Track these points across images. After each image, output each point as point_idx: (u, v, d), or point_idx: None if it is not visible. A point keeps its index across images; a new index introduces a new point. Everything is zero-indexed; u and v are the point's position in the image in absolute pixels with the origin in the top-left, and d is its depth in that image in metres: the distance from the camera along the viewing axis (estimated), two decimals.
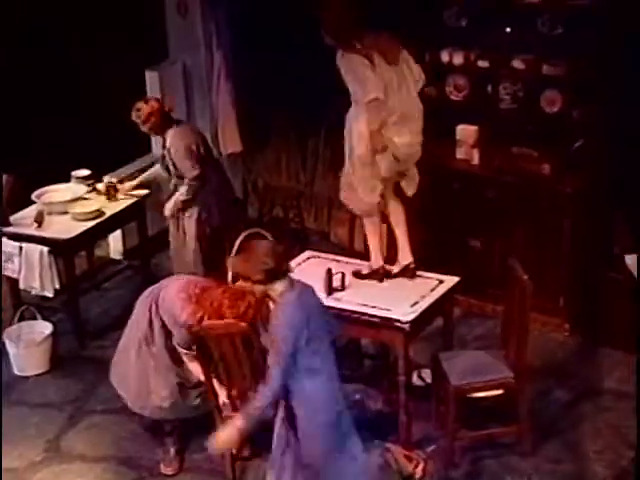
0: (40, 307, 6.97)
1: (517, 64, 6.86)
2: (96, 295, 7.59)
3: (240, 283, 5.06)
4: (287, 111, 8.06)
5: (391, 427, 5.90)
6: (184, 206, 6.83)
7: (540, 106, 6.80)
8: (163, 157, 6.92)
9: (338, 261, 6.24)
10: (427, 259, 6.39)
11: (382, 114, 5.64)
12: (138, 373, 5.70)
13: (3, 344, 6.76)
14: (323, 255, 6.44)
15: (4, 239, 6.84)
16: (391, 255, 6.31)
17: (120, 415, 6.23)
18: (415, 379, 6.13)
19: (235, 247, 6.32)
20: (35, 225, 6.83)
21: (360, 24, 5.68)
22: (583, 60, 6.55)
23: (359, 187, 5.84)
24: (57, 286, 6.81)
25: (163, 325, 5.62)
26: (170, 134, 6.79)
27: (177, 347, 5.57)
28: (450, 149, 7.14)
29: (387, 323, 5.67)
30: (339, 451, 4.96)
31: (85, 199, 7.15)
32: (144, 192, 7.33)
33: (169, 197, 6.95)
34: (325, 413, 4.92)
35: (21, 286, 6.88)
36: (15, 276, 6.84)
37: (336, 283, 5.89)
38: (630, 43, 6.36)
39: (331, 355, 5.04)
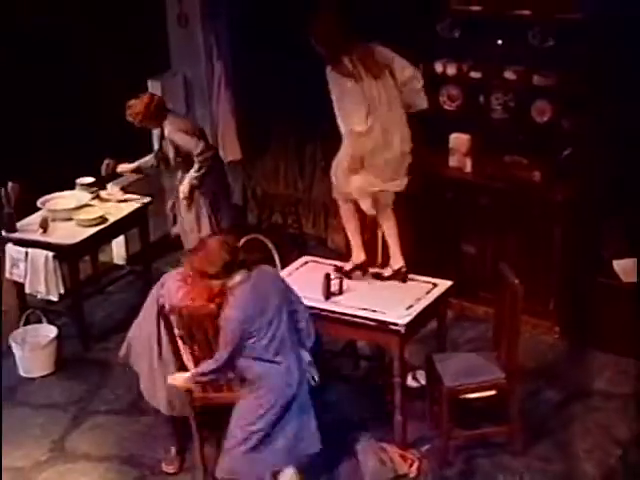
0: (45, 311, 6.98)
1: (508, 75, 6.88)
2: (100, 299, 7.59)
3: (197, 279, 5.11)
4: (285, 120, 8.09)
5: (386, 427, 5.93)
6: (198, 184, 6.86)
7: (531, 116, 6.82)
8: (160, 150, 6.95)
9: (335, 266, 6.22)
10: (422, 264, 6.39)
11: (363, 143, 5.74)
12: (149, 363, 5.70)
13: (9, 346, 6.78)
14: (320, 260, 6.45)
15: (10, 244, 6.86)
16: (385, 260, 6.34)
17: (122, 416, 6.27)
18: (410, 380, 6.13)
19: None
20: (40, 231, 6.84)
21: (349, 36, 5.71)
22: (574, 74, 6.56)
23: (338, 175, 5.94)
24: (62, 290, 6.82)
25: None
26: (168, 121, 6.87)
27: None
28: (443, 157, 7.16)
29: (383, 326, 5.68)
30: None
31: (89, 206, 7.17)
32: (147, 199, 7.38)
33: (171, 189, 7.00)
34: (271, 395, 5.01)
35: (27, 290, 6.89)
36: (21, 280, 6.85)
37: (334, 288, 5.90)
38: (623, 51, 6.41)
39: (293, 352, 5.10)
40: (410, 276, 6.11)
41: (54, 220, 7.00)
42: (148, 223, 7.49)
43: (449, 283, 6.05)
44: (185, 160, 6.88)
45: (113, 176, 7.43)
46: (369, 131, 5.74)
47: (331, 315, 5.83)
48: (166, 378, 5.49)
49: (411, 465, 5.68)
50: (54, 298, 6.86)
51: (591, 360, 6.61)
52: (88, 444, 6.08)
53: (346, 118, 5.75)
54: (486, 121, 7.05)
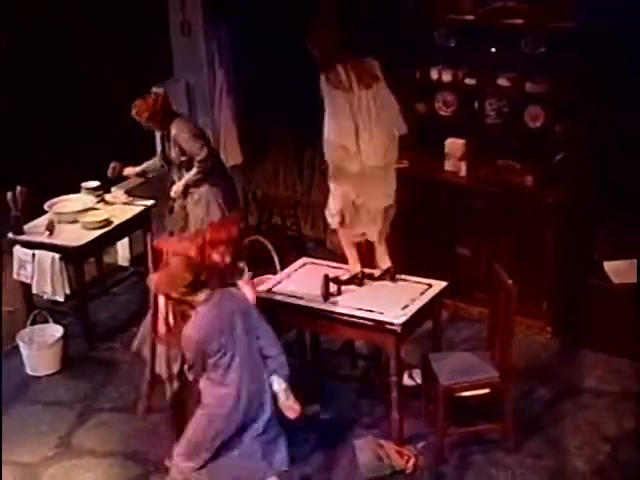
0: (51, 311, 6.98)
1: (502, 82, 6.89)
2: (104, 300, 7.60)
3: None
4: (285, 125, 8.11)
5: (383, 424, 5.96)
6: (194, 186, 6.89)
7: (524, 121, 6.83)
8: (163, 152, 6.97)
9: (333, 267, 6.26)
10: (417, 265, 6.42)
11: (344, 158, 5.75)
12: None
13: (16, 346, 6.80)
14: (319, 261, 6.47)
15: (18, 246, 6.88)
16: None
17: (126, 413, 6.27)
18: (406, 379, 6.13)
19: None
20: (47, 233, 6.86)
21: (346, 45, 5.72)
22: (566, 81, 6.57)
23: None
24: (68, 291, 6.84)
25: None
26: (175, 123, 6.90)
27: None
28: (439, 161, 7.17)
29: (379, 325, 5.70)
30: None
31: (94, 209, 7.19)
32: (150, 202, 7.40)
33: (172, 184, 7.01)
34: (218, 419, 4.98)
35: (34, 291, 6.90)
36: (28, 281, 6.87)
37: (332, 288, 5.92)
38: (614, 58, 6.44)
39: (254, 377, 5.02)
40: (405, 277, 6.12)
41: (60, 223, 7.02)
42: (152, 225, 7.51)
43: (444, 284, 6.05)
44: (189, 160, 6.91)
45: (119, 178, 7.45)
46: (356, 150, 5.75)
47: (329, 315, 5.86)
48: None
49: (407, 461, 5.69)
50: (60, 299, 6.87)
51: (582, 359, 6.62)
52: (93, 440, 6.09)
53: (333, 129, 5.75)
54: (480, 126, 7.06)
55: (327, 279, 5.92)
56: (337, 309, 5.83)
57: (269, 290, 6.10)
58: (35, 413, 6.36)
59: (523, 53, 6.71)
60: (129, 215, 7.25)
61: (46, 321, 6.92)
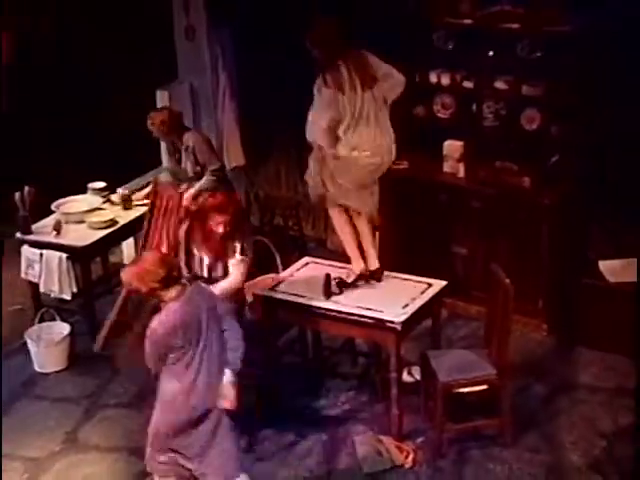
0: (59, 309, 7.00)
1: (499, 85, 6.90)
2: (110, 298, 7.54)
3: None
4: (286, 128, 8.10)
5: (383, 420, 5.97)
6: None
7: (520, 124, 6.84)
8: (177, 161, 7.00)
9: (334, 266, 6.27)
10: (416, 264, 6.45)
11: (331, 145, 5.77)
12: None
13: (24, 343, 6.82)
14: (320, 261, 6.49)
15: (26, 246, 6.90)
16: (381, 259, 6.37)
17: (131, 409, 6.29)
18: (406, 376, 6.14)
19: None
20: (54, 233, 6.87)
21: (346, 44, 5.72)
22: (562, 84, 6.59)
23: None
24: (74, 290, 6.85)
25: None
26: (189, 134, 6.95)
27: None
28: (438, 163, 7.18)
29: (380, 324, 5.72)
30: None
31: (100, 209, 7.20)
32: None
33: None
34: (170, 414, 4.88)
35: (41, 290, 6.92)
36: (36, 280, 6.88)
37: (334, 287, 5.93)
38: (610, 60, 6.45)
39: (217, 374, 4.92)
40: (405, 276, 6.14)
41: (67, 223, 7.03)
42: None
43: (443, 283, 6.07)
44: (202, 171, 6.93)
45: (129, 205, 7.41)
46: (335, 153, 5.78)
47: (331, 313, 5.87)
48: None
49: (407, 456, 5.71)
50: (67, 297, 6.89)
51: (577, 356, 6.63)
52: (99, 436, 6.11)
53: (317, 133, 5.78)
54: (478, 129, 7.07)
55: (328, 278, 5.93)
56: (338, 307, 5.85)
57: (272, 289, 6.12)
58: (43, 409, 6.37)
59: (520, 57, 6.72)
60: (134, 215, 7.25)
61: (53, 319, 6.93)
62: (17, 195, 6.88)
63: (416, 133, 7.16)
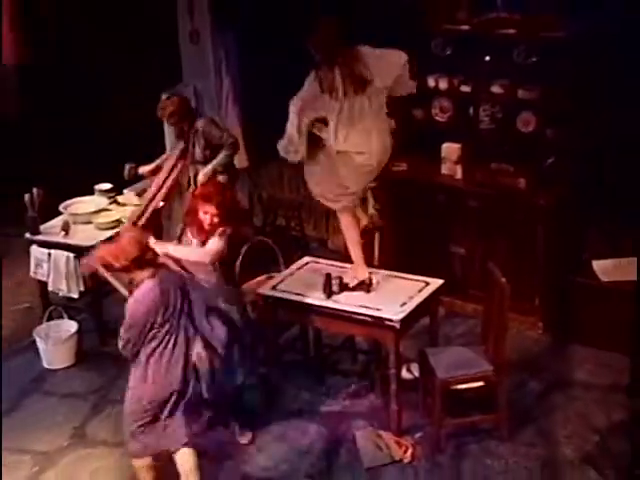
0: (66, 307, 7.01)
1: (496, 89, 6.91)
2: (116, 297, 7.59)
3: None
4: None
5: (383, 415, 5.98)
6: (222, 170, 6.99)
7: (516, 126, 6.85)
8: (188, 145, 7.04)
9: (335, 266, 6.28)
10: (415, 263, 6.45)
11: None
12: None
13: (33, 340, 6.84)
14: (321, 260, 6.49)
15: (35, 246, 6.90)
16: (381, 261, 6.37)
17: None
18: (404, 372, 6.14)
19: (241, 254, 6.43)
20: (62, 233, 6.87)
21: (345, 47, 5.69)
22: (556, 88, 6.60)
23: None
24: (82, 288, 6.85)
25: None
26: (202, 119, 7.00)
27: None
28: (436, 165, 7.18)
29: (379, 322, 5.72)
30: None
31: (107, 210, 7.20)
32: (160, 204, 7.41)
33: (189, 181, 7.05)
34: (151, 391, 4.94)
35: (50, 288, 6.92)
36: (44, 279, 6.89)
37: (335, 286, 5.94)
38: (605, 65, 6.46)
39: (185, 351, 4.98)
40: (404, 275, 6.14)
41: (75, 223, 7.03)
42: (162, 225, 7.51)
43: (440, 282, 6.08)
44: (213, 153, 6.95)
45: (135, 179, 7.45)
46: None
47: (331, 312, 5.88)
48: None
49: (406, 451, 5.72)
50: (75, 296, 6.89)
51: (572, 353, 6.63)
52: (106, 431, 6.11)
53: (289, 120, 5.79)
54: (475, 131, 7.09)
55: (329, 278, 5.94)
56: (339, 306, 5.85)
57: (274, 288, 6.13)
58: (51, 405, 6.39)
59: (515, 62, 6.73)
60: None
61: (61, 317, 6.95)
62: (26, 196, 6.89)
63: (415, 136, 7.18)
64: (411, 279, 6.10)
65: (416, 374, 6.17)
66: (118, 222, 7.07)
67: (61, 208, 7.17)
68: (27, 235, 6.97)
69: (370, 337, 6.27)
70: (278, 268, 6.68)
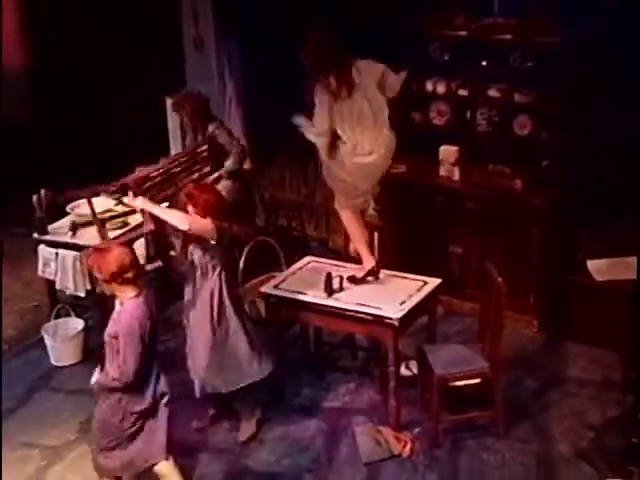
0: (74, 305, 7.01)
1: (492, 93, 6.90)
2: None
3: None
4: (290, 133, 8.07)
5: (382, 411, 5.98)
6: (224, 178, 7.03)
7: (512, 129, 6.84)
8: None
9: (335, 265, 6.28)
10: (413, 263, 6.44)
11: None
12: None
13: (41, 338, 6.83)
14: (322, 260, 6.49)
15: (42, 246, 6.89)
16: (381, 257, 6.35)
17: None
18: (403, 369, 6.14)
19: (244, 254, 6.43)
20: (69, 233, 6.87)
21: (337, 55, 5.73)
22: (552, 92, 6.58)
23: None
24: (88, 287, 6.80)
25: None
26: (213, 124, 7.07)
27: None
28: (434, 167, 7.17)
29: (379, 320, 5.72)
30: None
31: (113, 211, 7.21)
32: (165, 204, 7.39)
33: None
34: (131, 403, 4.87)
35: (57, 287, 6.91)
36: (52, 278, 6.87)
37: (335, 285, 5.95)
38: (600, 70, 6.45)
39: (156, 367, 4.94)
40: (403, 274, 6.14)
41: (81, 224, 7.04)
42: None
43: (438, 281, 6.08)
44: (217, 156, 6.97)
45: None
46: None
47: (332, 310, 5.88)
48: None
49: (404, 446, 5.71)
50: (81, 294, 6.87)
51: (567, 351, 6.63)
52: None
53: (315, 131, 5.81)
54: (472, 134, 7.08)
55: (330, 277, 5.93)
56: (339, 305, 5.85)
57: (275, 286, 6.12)
58: (58, 401, 6.38)
59: (512, 66, 6.72)
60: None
61: (69, 315, 6.94)
62: (34, 197, 6.88)
63: (413, 138, 7.15)
64: (410, 278, 6.10)
65: (414, 371, 6.17)
66: (124, 223, 7.06)
67: (68, 209, 7.15)
68: (35, 235, 6.96)
69: (370, 335, 6.26)
70: (280, 267, 6.68)
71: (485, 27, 6.82)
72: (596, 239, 6.81)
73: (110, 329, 4.85)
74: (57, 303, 7.02)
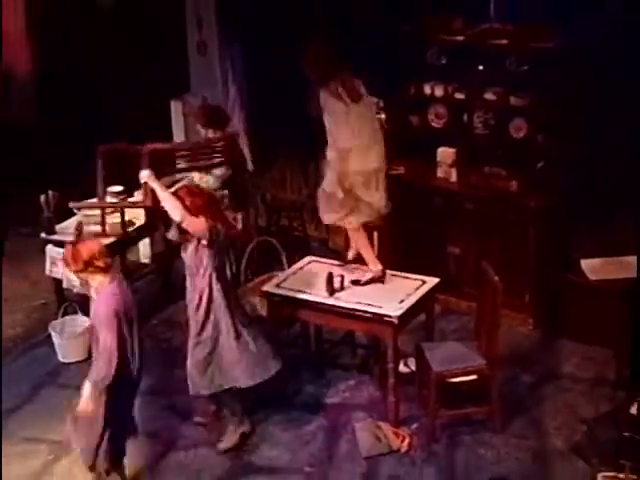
0: (80, 303, 7.01)
1: (489, 96, 6.91)
2: None
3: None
4: (291, 136, 8.10)
5: (381, 407, 5.99)
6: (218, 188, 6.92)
7: (508, 132, 6.84)
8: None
9: (336, 265, 6.29)
10: (412, 263, 6.45)
11: (349, 160, 5.80)
12: None
13: (49, 335, 6.85)
14: (323, 260, 6.50)
15: (50, 245, 6.90)
16: (380, 258, 6.36)
17: (145, 396, 6.22)
18: (402, 366, 6.13)
19: (246, 254, 6.43)
20: (76, 233, 6.89)
21: (337, 64, 5.76)
22: (547, 95, 6.59)
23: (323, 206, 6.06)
24: None
25: None
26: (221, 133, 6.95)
27: None
28: (432, 169, 7.18)
29: (378, 318, 5.74)
30: None
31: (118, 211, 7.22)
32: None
33: None
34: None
35: (64, 286, 6.89)
36: (59, 277, 6.86)
37: (336, 284, 5.95)
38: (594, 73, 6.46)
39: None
40: (401, 274, 6.16)
41: (88, 224, 7.04)
42: (171, 226, 7.50)
43: (436, 280, 6.10)
44: (216, 162, 6.95)
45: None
46: (351, 150, 5.80)
47: (332, 309, 5.89)
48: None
49: (403, 441, 5.73)
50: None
51: (561, 348, 6.64)
52: None
53: (338, 136, 5.81)
54: (469, 137, 7.08)
55: (331, 276, 5.95)
56: (339, 303, 5.86)
57: (277, 285, 6.14)
58: (66, 397, 6.32)
59: (508, 70, 6.73)
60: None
61: (76, 312, 6.93)
62: (42, 198, 6.89)
63: (411, 141, 7.19)
64: (409, 278, 6.12)
65: (413, 368, 6.17)
66: (129, 223, 7.07)
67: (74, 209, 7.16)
68: (43, 235, 6.97)
69: (369, 332, 6.28)
70: (281, 267, 6.69)
71: (482, 32, 6.83)
72: (590, 239, 6.82)
73: (90, 321, 4.96)
74: (64, 301, 7.01)
